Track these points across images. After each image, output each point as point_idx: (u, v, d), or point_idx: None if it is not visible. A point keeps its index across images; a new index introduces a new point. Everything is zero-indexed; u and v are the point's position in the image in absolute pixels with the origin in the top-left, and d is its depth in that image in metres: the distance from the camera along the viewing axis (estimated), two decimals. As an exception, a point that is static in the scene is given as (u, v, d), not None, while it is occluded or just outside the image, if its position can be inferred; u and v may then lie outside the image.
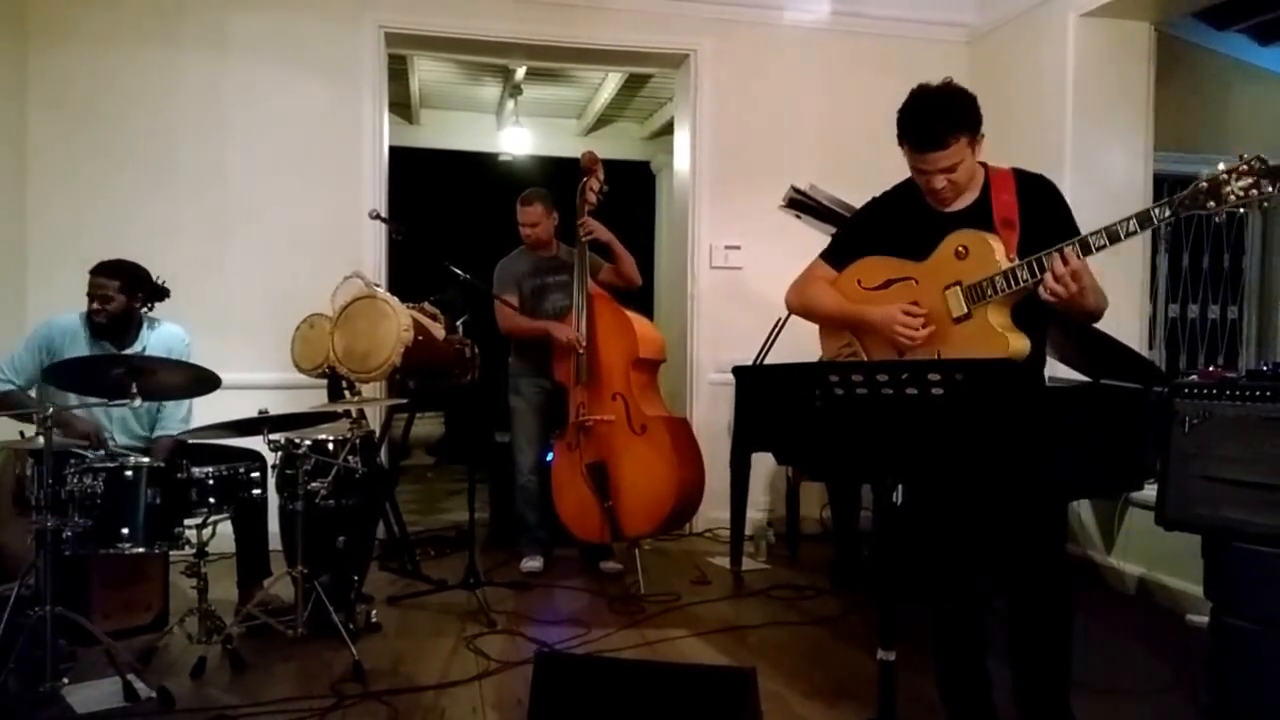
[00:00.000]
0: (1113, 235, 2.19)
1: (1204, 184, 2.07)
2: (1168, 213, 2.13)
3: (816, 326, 2.80)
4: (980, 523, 2.51)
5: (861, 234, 2.69)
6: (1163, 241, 5.74)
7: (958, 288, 2.40)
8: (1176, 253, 5.96)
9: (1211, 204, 2.07)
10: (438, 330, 4.35)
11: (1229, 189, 2.05)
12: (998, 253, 2.35)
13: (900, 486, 2.14)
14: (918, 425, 2.02)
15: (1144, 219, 2.16)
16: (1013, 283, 2.31)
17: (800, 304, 2.76)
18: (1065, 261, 2.21)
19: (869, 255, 2.61)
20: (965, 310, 2.40)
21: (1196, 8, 5.00)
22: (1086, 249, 2.23)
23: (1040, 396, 2.57)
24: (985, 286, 2.35)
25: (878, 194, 2.68)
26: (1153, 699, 3.09)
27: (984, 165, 2.50)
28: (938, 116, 2.36)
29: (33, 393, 3.57)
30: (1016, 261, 2.32)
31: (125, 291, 3.62)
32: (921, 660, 2.66)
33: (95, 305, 3.60)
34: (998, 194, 2.45)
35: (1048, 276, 2.24)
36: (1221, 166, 2.05)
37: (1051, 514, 2.53)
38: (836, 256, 2.70)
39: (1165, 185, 5.66)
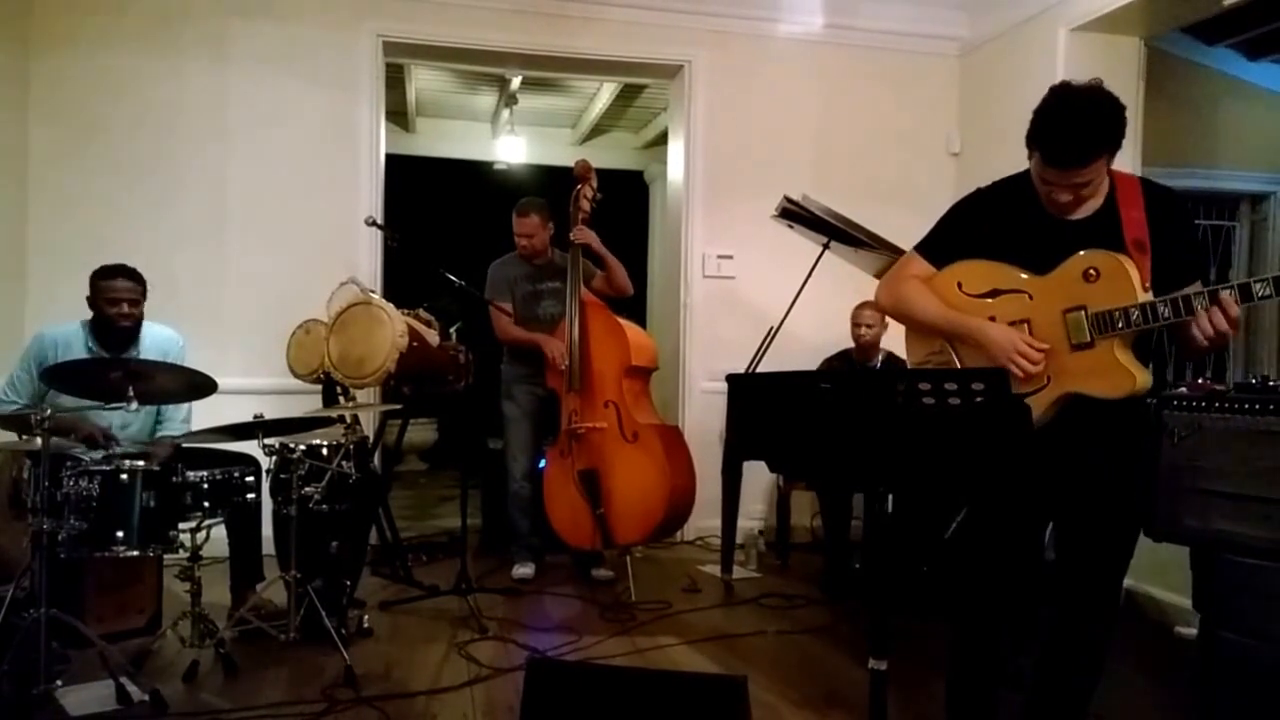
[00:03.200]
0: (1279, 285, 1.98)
1: None
2: None
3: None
4: (1020, 543, 2.35)
5: (965, 231, 2.39)
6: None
7: (1082, 313, 2.17)
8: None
9: None
10: (432, 337, 4.35)
11: None
12: (1135, 283, 2.12)
13: (890, 496, 2.11)
14: (918, 435, 1.94)
15: None
16: (1151, 318, 2.10)
17: (894, 304, 2.48)
18: (1225, 310, 2.02)
19: (971, 255, 2.36)
20: (1089, 339, 2.17)
21: (1186, 23, 5.04)
22: (1247, 296, 2.02)
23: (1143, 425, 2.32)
24: (1118, 317, 2.12)
25: (983, 185, 2.42)
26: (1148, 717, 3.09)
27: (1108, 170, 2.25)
28: (1085, 133, 2.09)
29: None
30: (1151, 294, 2.13)
31: (144, 295, 3.63)
32: (912, 670, 2.68)
33: (125, 309, 3.55)
34: (1126, 209, 2.22)
35: (1205, 323, 2.04)
36: None
37: (1115, 539, 2.31)
38: (935, 253, 2.42)
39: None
